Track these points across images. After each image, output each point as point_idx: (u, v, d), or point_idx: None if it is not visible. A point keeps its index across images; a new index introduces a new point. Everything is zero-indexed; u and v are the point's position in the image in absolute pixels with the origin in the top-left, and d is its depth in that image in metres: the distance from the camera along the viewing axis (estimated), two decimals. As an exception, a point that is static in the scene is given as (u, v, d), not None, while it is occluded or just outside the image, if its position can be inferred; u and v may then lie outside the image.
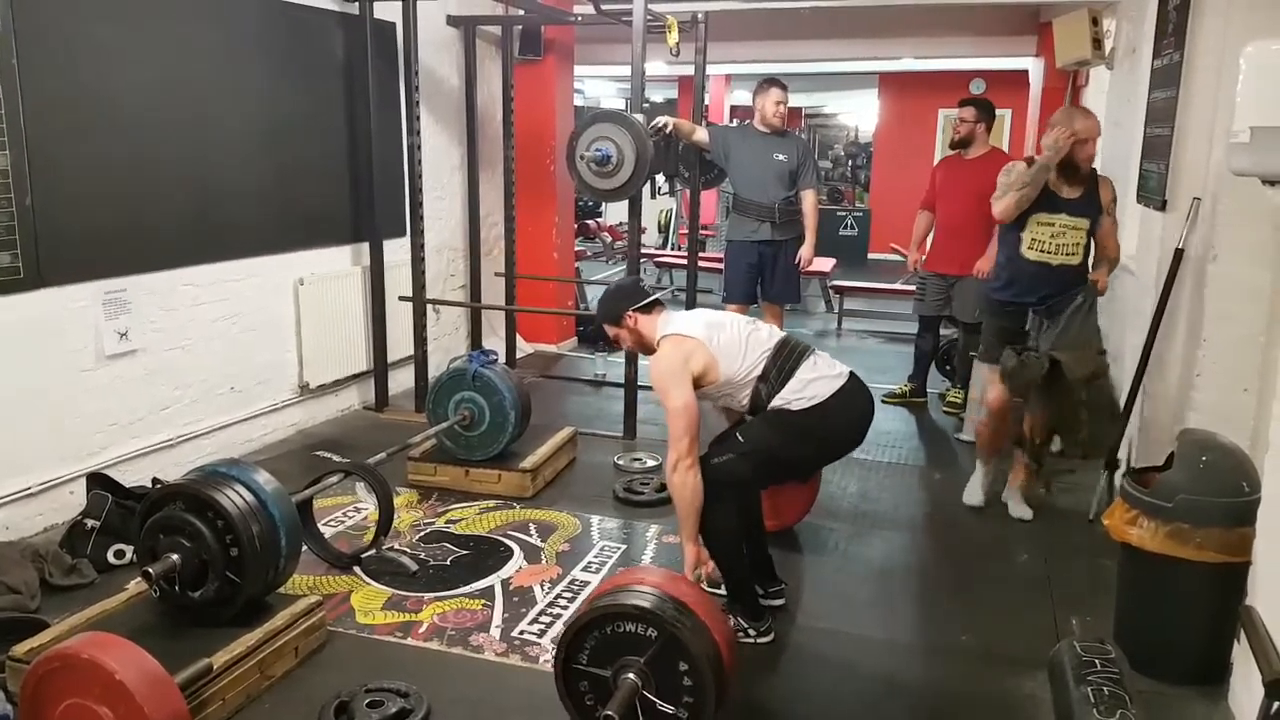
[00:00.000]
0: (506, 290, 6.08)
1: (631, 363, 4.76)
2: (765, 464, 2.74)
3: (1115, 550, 2.77)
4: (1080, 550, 3.47)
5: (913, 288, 5.54)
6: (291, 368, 4.59)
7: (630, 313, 2.84)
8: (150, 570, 2.45)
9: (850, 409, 2.78)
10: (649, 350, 2.85)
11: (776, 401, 2.71)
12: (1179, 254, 3.48)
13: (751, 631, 2.78)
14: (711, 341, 2.73)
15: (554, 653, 2.25)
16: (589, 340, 6.95)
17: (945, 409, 5.32)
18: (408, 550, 3.31)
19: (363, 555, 3.19)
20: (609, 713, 2.05)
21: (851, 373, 2.81)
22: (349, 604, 2.94)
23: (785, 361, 2.73)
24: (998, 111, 11.96)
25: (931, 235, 5.22)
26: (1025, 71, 8.35)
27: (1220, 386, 3.33)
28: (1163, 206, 3.64)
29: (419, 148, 4.83)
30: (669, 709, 2.12)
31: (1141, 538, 2.56)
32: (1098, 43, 5.79)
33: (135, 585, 2.69)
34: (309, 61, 4.57)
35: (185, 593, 2.52)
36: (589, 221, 10.88)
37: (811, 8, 6.23)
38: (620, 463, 4.33)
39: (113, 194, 3.58)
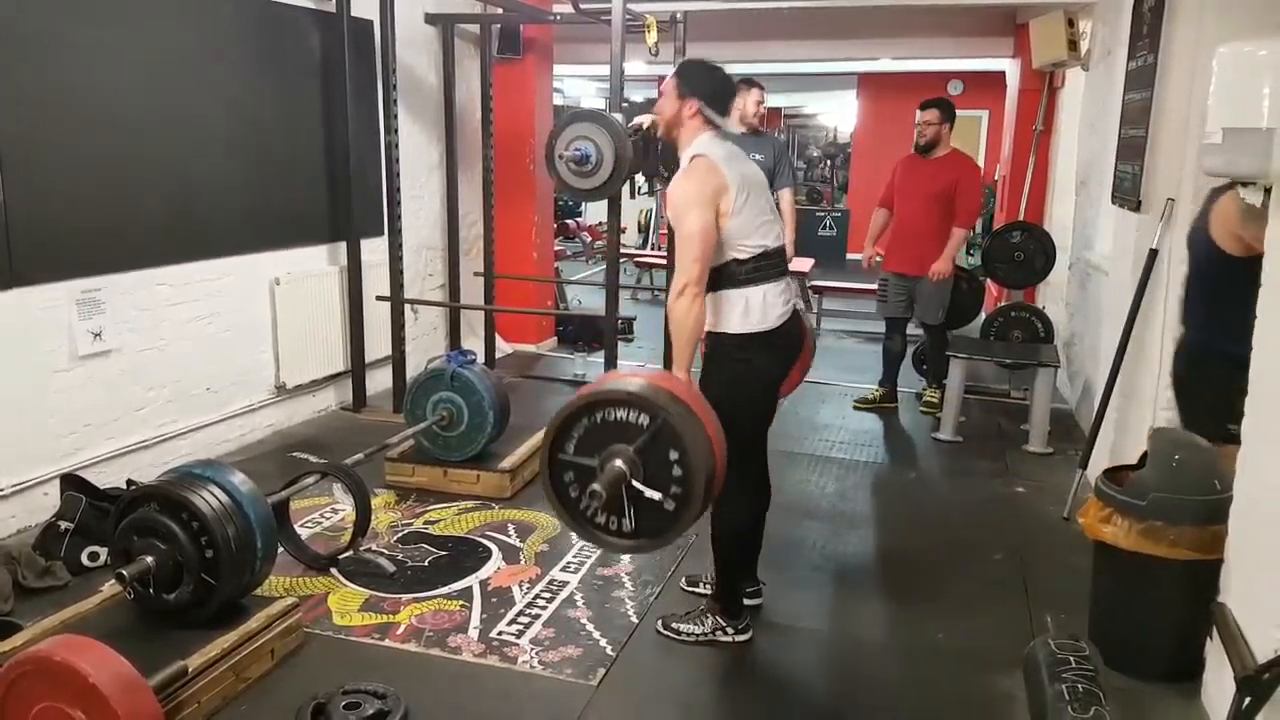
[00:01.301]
0: (485, 290, 6.06)
1: (611, 363, 4.76)
2: (737, 415, 2.59)
3: (1090, 548, 2.79)
4: (1056, 549, 3.50)
5: None
6: (268, 368, 4.54)
7: (695, 99, 2.62)
8: (124, 572, 2.42)
9: (791, 336, 2.71)
10: (673, 141, 2.69)
11: (726, 303, 2.59)
12: (1153, 254, 3.52)
13: (730, 630, 2.78)
14: (739, 197, 2.56)
15: (541, 441, 2.22)
16: (569, 340, 6.95)
17: (923, 409, 5.32)
18: (385, 551, 3.28)
19: (340, 556, 3.16)
20: (595, 488, 2.01)
21: (795, 310, 2.74)
22: (326, 605, 2.92)
23: (770, 268, 2.64)
24: (976, 113, 12.01)
25: (890, 234, 5.21)
26: (1002, 73, 8.41)
27: (1193, 385, 3.37)
28: (1137, 207, 3.68)
29: (396, 146, 4.81)
30: (656, 495, 2.06)
31: (1115, 536, 2.59)
32: (1074, 44, 5.84)
33: (110, 587, 2.67)
34: (285, 60, 4.53)
35: (160, 595, 2.49)
36: (568, 221, 10.87)
37: (790, 8, 6.25)
38: (600, 462, 4.32)
39: (86, 193, 3.53)
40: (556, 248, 9.73)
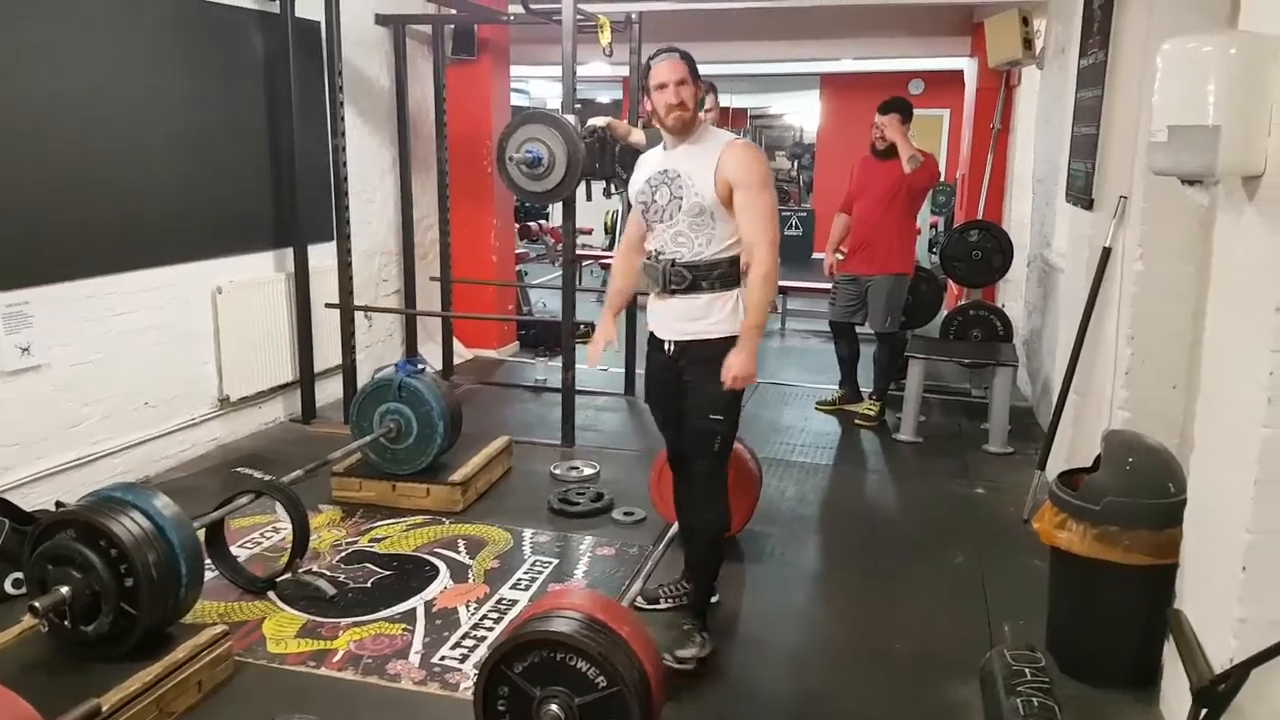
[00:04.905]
0: (442, 295, 5.94)
1: (570, 366, 4.66)
2: (734, 419, 2.66)
3: (1048, 551, 2.74)
4: (1015, 551, 3.46)
5: None
6: (210, 380, 4.39)
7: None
8: (37, 604, 2.30)
9: None
10: (688, 124, 2.55)
11: (725, 303, 2.56)
12: (1106, 252, 3.49)
13: (706, 638, 2.70)
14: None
15: (491, 644, 2.14)
16: (531, 344, 6.84)
17: (857, 420, 5.04)
18: (326, 572, 3.15)
19: (277, 579, 3.04)
20: None
21: None
22: (260, 632, 2.79)
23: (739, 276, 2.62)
24: (937, 112, 12.02)
25: (849, 237, 5.09)
26: (962, 72, 8.41)
27: (1149, 384, 3.35)
28: (1090, 205, 3.65)
29: (344, 149, 4.67)
30: None
31: (1070, 541, 2.54)
32: (1028, 43, 5.83)
33: (28, 619, 2.53)
34: (228, 61, 4.39)
35: (77, 627, 2.37)
36: (530, 224, 10.74)
37: (746, 8, 6.19)
38: (557, 472, 4.22)
39: (11, 202, 3.38)
40: (520, 250, 9.64)
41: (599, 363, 2.85)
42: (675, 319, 2.62)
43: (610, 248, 12.04)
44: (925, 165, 4.73)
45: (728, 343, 2.55)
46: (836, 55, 8.59)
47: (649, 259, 2.64)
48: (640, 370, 5.77)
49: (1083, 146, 3.81)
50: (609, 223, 12.66)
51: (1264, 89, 1.97)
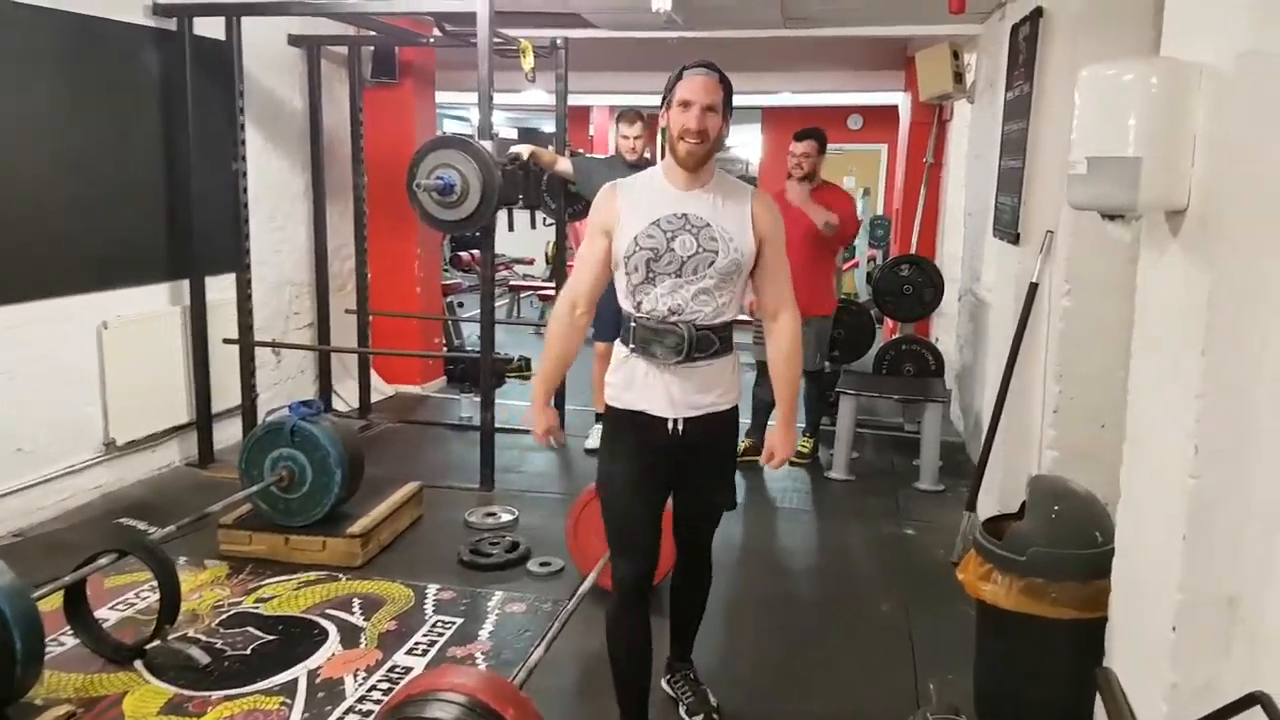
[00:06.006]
0: (359, 329, 5.67)
1: (489, 405, 4.44)
2: None
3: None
4: (944, 597, 3.29)
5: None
6: (94, 422, 4.06)
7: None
8: None
9: None
10: (699, 161, 2.19)
11: (728, 365, 2.34)
12: (1033, 288, 3.41)
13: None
14: None
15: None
16: (459, 380, 6.58)
17: (791, 459, 4.92)
18: (202, 637, 2.87)
19: (145, 647, 2.74)
20: None
21: None
22: (120, 709, 2.50)
23: None
24: (875, 147, 12.16)
25: None
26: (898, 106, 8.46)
27: (1077, 423, 3.26)
28: (1016, 240, 3.57)
29: (244, 174, 4.41)
30: None
31: (995, 594, 2.39)
32: (959, 77, 5.83)
33: None
34: (117, 81, 4.12)
35: (-111, 714, 2.08)
36: (462, 254, 10.50)
37: (678, 38, 6.09)
38: (472, 519, 3.98)
39: None
40: (453, 281, 9.38)
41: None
42: (692, 391, 2.24)
43: (550, 279, 11.82)
44: (843, 222, 4.54)
45: (734, 414, 2.36)
46: (776, 88, 8.57)
47: (654, 321, 2.20)
48: (572, 407, 5.59)
49: (1009, 180, 3.74)
50: (550, 252, 12.46)
51: (1187, 119, 1.86)
